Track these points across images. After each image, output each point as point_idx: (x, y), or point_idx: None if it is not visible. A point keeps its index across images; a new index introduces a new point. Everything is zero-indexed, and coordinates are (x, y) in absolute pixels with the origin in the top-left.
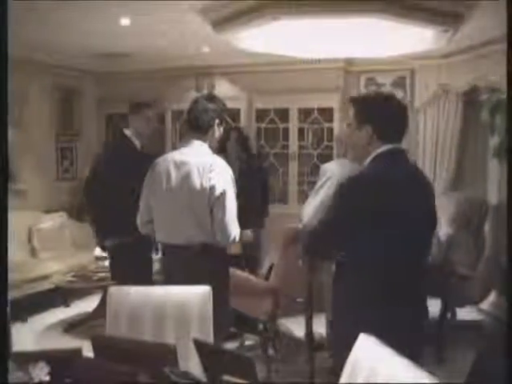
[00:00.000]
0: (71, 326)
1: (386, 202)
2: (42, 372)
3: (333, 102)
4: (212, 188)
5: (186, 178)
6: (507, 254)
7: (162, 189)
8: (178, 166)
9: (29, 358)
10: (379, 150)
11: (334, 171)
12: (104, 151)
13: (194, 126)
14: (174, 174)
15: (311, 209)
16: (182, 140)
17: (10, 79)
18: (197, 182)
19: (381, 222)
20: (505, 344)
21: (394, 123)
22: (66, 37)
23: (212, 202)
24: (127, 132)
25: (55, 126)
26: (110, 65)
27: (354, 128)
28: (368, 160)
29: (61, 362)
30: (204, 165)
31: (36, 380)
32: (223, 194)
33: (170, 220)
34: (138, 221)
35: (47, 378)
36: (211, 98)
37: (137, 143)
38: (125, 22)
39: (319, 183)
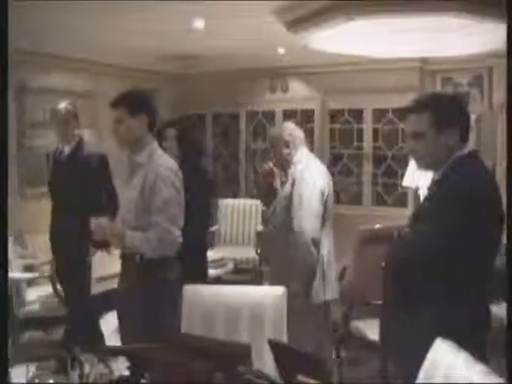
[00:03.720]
0: None
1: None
2: (122, 366)
3: (408, 102)
4: None
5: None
6: (507, 253)
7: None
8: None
9: (110, 353)
10: (462, 153)
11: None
12: None
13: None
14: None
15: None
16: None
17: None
18: None
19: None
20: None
21: (469, 122)
22: (141, 40)
23: None
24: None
25: None
26: (185, 66)
27: (433, 134)
28: (447, 164)
29: (140, 358)
30: None
31: (116, 373)
32: None
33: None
34: (179, 232)
35: (127, 373)
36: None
37: (59, 147)
38: (199, 24)
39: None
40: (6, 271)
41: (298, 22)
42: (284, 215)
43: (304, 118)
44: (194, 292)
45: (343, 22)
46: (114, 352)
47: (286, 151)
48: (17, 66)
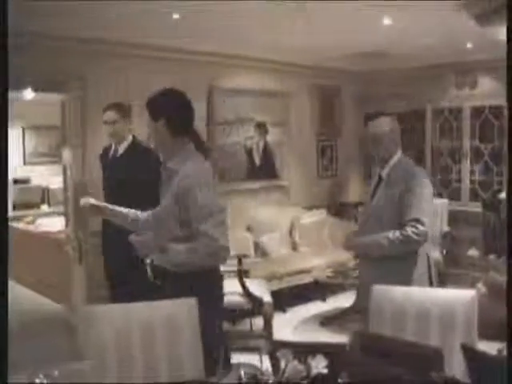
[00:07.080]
0: (327, 321)
1: None
2: (320, 365)
3: None
4: None
5: None
6: (507, 253)
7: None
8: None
9: (308, 350)
10: None
11: None
12: None
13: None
14: None
15: None
16: None
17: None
18: None
19: None
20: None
21: None
22: (329, 38)
23: None
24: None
25: (316, 125)
26: (369, 64)
27: None
28: None
29: (334, 356)
30: None
31: (314, 372)
32: None
33: None
34: (226, 239)
35: (325, 371)
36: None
37: (115, 148)
38: (387, 21)
39: None
40: (6, 270)
41: (489, 15)
42: (390, 213)
43: (492, 115)
44: (383, 291)
45: None
46: (313, 349)
47: (388, 147)
48: (206, 66)
